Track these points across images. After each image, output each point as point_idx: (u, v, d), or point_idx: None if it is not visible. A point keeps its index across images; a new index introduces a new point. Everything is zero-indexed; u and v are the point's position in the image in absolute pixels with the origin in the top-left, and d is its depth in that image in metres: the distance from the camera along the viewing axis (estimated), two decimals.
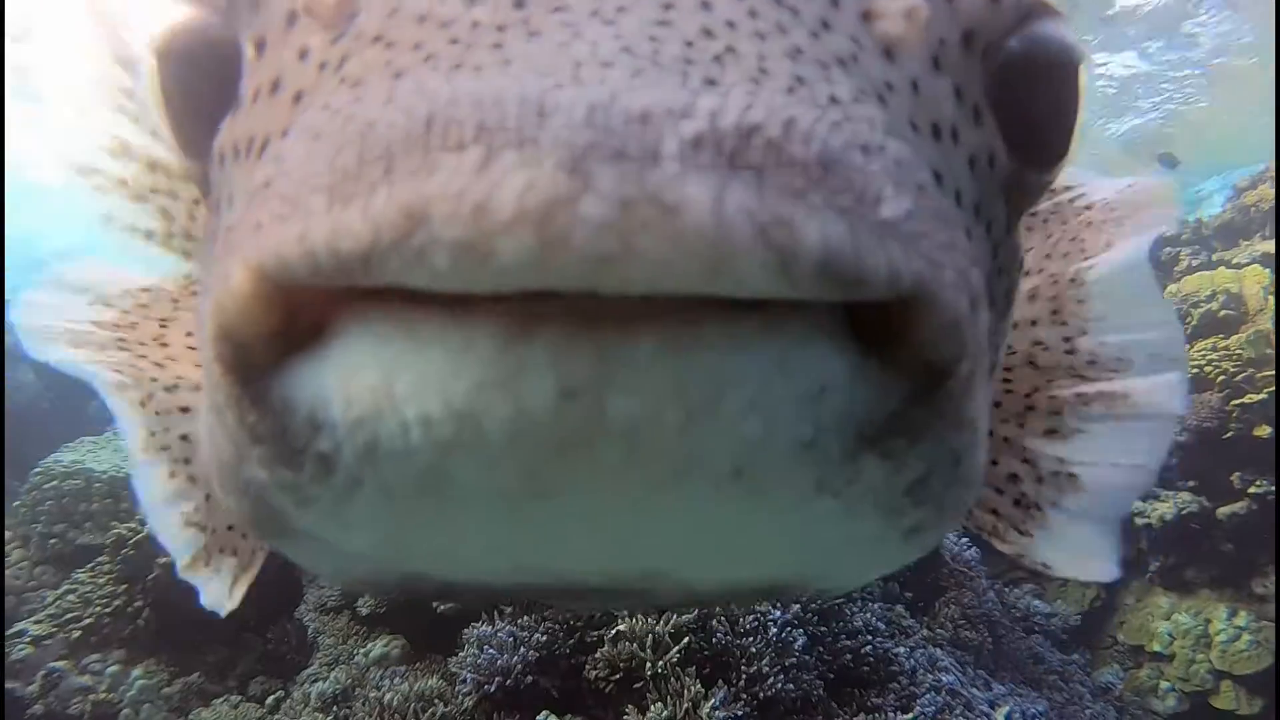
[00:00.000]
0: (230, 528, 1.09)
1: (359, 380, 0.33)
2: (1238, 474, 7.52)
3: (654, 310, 0.30)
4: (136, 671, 5.44)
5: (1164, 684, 7.44)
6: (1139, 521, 8.01)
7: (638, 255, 0.27)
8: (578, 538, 0.38)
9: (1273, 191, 10.13)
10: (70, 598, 5.86)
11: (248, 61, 0.45)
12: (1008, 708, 5.08)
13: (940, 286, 0.35)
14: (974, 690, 5.13)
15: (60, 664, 5.36)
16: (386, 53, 0.37)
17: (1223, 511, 7.58)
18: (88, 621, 5.67)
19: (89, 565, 6.22)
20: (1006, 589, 7.51)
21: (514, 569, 0.42)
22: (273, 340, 0.35)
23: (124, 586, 5.89)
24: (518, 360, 0.30)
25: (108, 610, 5.76)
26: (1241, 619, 7.35)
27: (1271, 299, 7.96)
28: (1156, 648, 7.65)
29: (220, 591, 1.14)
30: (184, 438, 1.01)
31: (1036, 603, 7.06)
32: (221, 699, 5.43)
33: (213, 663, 5.95)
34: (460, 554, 0.41)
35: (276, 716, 4.74)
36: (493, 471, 0.33)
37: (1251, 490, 7.43)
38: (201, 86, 0.47)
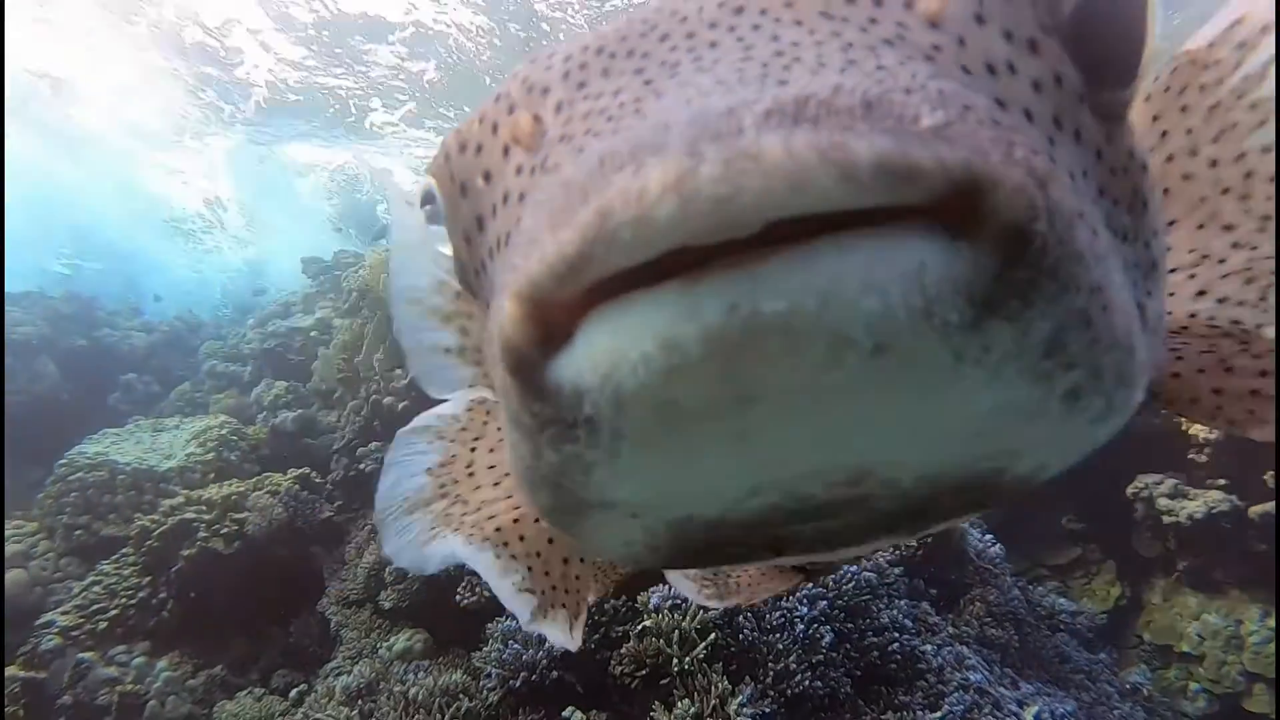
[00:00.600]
0: (554, 588, 1.27)
1: (598, 350, 0.44)
2: (1271, 473, 7.37)
3: (780, 238, 0.40)
4: (162, 663, 5.46)
5: (1193, 685, 7.32)
6: (1166, 520, 7.89)
7: (744, 191, 0.38)
8: (783, 437, 0.46)
9: None
10: (96, 589, 5.90)
11: (472, 194, 0.66)
12: (1036, 707, 5.00)
13: (990, 166, 0.41)
14: (1001, 689, 5.05)
15: (88, 655, 5.39)
16: (569, 142, 0.54)
17: (1255, 511, 7.44)
18: (113, 613, 5.70)
19: (114, 557, 6.26)
20: (1030, 587, 7.42)
21: (751, 490, 0.51)
22: (540, 345, 0.46)
23: (148, 579, 5.92)
24: (693, 297, 0.41)
25: (132, 602, 5.79)
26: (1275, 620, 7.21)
27: None
28: (1185, 648, 7.53)
29: (562, 636, 1.26)
30: (498, 529, 1.23)
31: (1062, 601, 6.97)
32: (245, 692, 5.44)
33: (235, 655, 5.98)
34: (705, 483, 0.51)
35: (300, 710, 4.73)
36: (701, 383, 0.42)
37: None
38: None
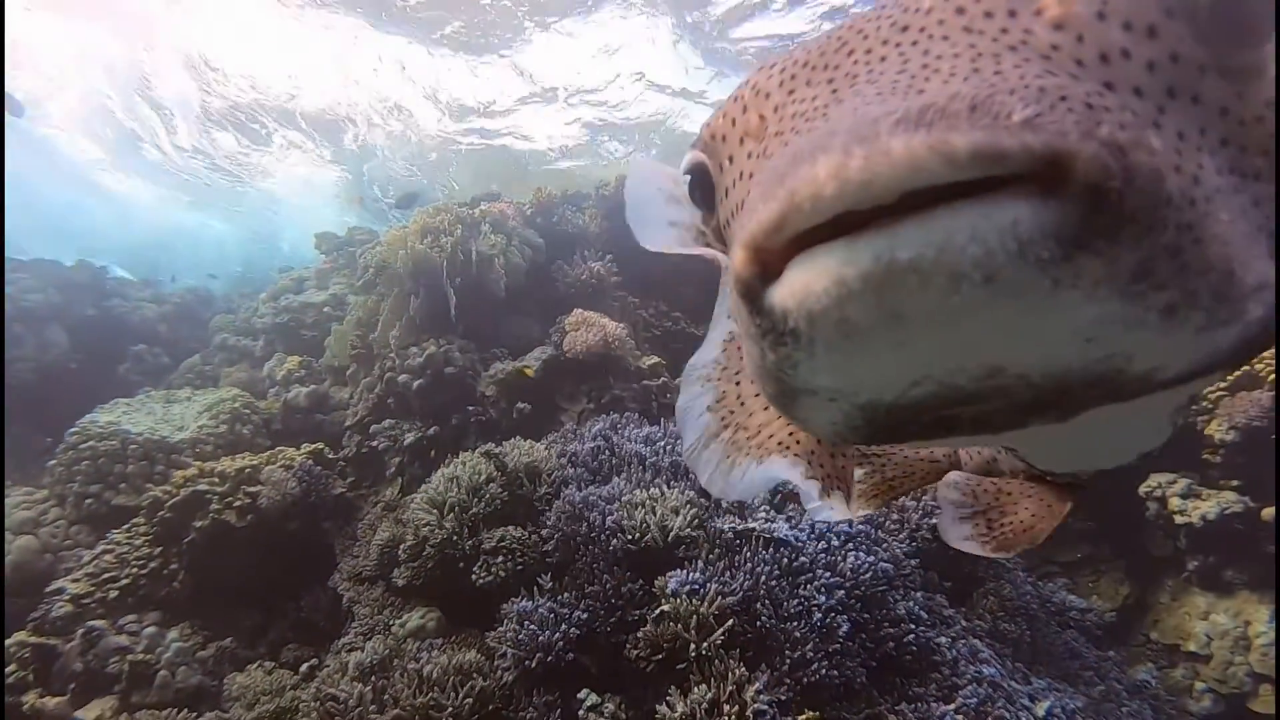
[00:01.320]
0: (829, 476, 1.52)
1: (796, 283, 0.61)
2: None
3: (919, 205, 0.55)
4: (172, 634, 5.46)
5: (1199, 684, 7.32)
6: (1178, 520, 7.87)
7: (880, 175, 0.54)
8: (926, 343, 0.61)
9: None
10: (107, 558, 5.89)
11: (720, 171, 0.90)
12: (1048, 702, 4.98)
13: (1068, 144, 0.55)
14: (1013, 683, 5.04)
15: (98, 623, 5.38)
16: (779, 138, 0.76)
17: (1267, 513, 7.41)
18: (125, 582, 5.70)
19: (125, 526, 6.25)
20: (1040, 583, 7.40)
21: (913, 381, 0.66)
22: (760, 278, 0.64)
23: (159, 549, 5.91)
24: (852, 250, 0.57)
25: (144, 572, 5.79)
26: None
27: None
28: (1192, 648, 7.53)
29: (842, 510, 1.50)
30: (780, 442, 1.46)
31: (1071, 597, 6.95)
32: (255, 665, 5.45)
33: (245, 628, 5.98)
34: (878, 375, 0.66)
35: (312, 685, 4.72)
36: (863, 306, 0.58)
37: None
38: (701, 187, 0.95)
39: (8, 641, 5.27)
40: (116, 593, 5.68)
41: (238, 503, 5.80)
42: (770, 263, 0.63)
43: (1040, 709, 4.94)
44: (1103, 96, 0.61)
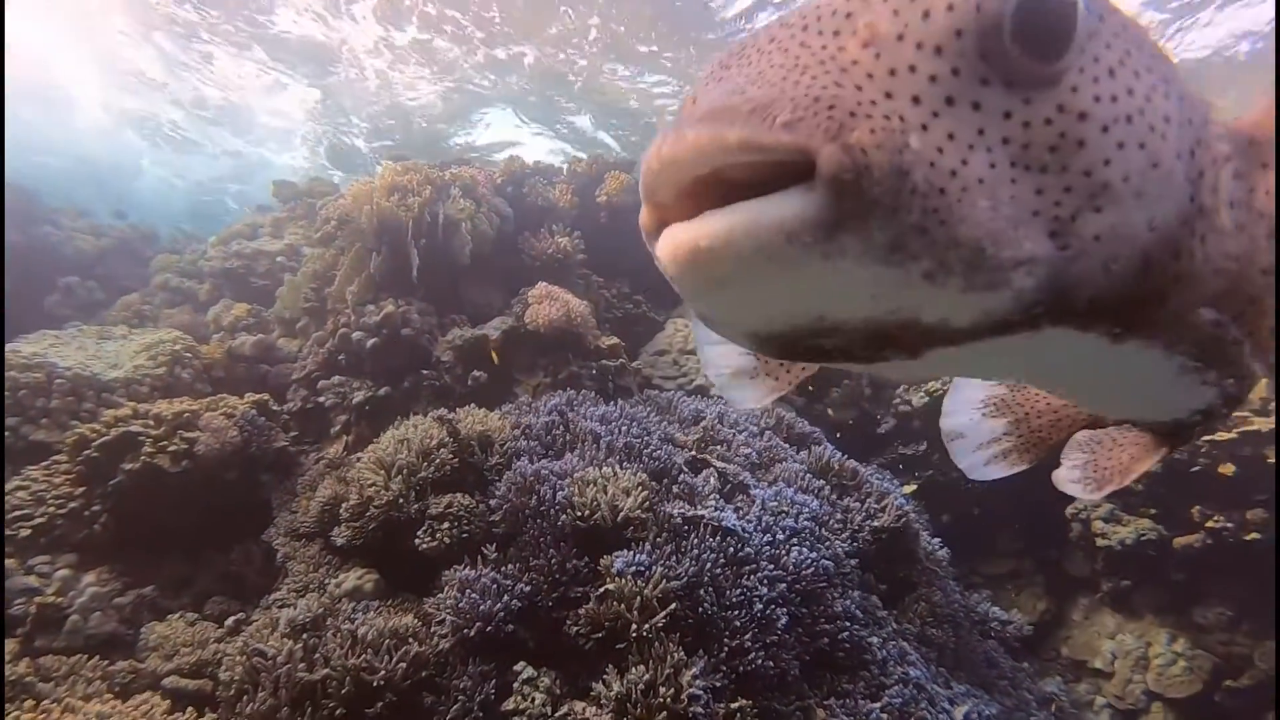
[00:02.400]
0: (769, 374, 1.87)
1: (661, 248, 0.79)
2: (1198, 507, 7.73)
3: (733, 197, 0.75)
4: (89, 577, 5.21)
5: (1100, 699, 7.69)
6: (1100, 542, 8.23)
7: (681, 155, 0.74)
8: (747, 300, 0.80)
9: None
10: (21, 494, 5.58)
11: None
12: (966, 707, 5.16)
13: (813, 143, 0.70)
14: (936, 687, 5.20)
15: (7, 562, 5.10)
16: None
17: (1179, 542, 7.80)
18: (39, 521, 5.41)
19: (44, 463, 5.93)
20: (966, 593, 7.65)
21: (766, 321, 0.84)
22: (653, 233, 0.84)
23: (81, 490, 5.63)
24: (673, 233, 0.78)
25: (61, 512, 5.50)
26: (1180, 645, 7.62)
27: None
28: (1098, 665, 7.91)
29: (756, 395, 1.83)
30: None
31: (995, 609, 7.21)
32: (178, 615, 5.24)
33: (169, 577, 5.74)
34: (737, 317, 0.86)
35: (239, 639, 4.57)
36: (691, 277, 0.77)
37: (1209, 524, 7.65)
38: None
39: None
40: (29, 532, 5.39)
41: (172, 447, 5.55)
42: (663, 219, 0.82)
43: (959, 713, 5.11)
44: (873, 105, 0.74)
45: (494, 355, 6.88)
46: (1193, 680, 7.31)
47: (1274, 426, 7.49)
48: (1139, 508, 8.33)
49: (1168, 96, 0.87)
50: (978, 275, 0.76)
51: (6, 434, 6.34)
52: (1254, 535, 7.36)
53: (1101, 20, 0.84)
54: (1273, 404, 7.58)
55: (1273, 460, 7.45)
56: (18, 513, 5.52)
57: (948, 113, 0.76)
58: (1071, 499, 8.65)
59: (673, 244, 0.76)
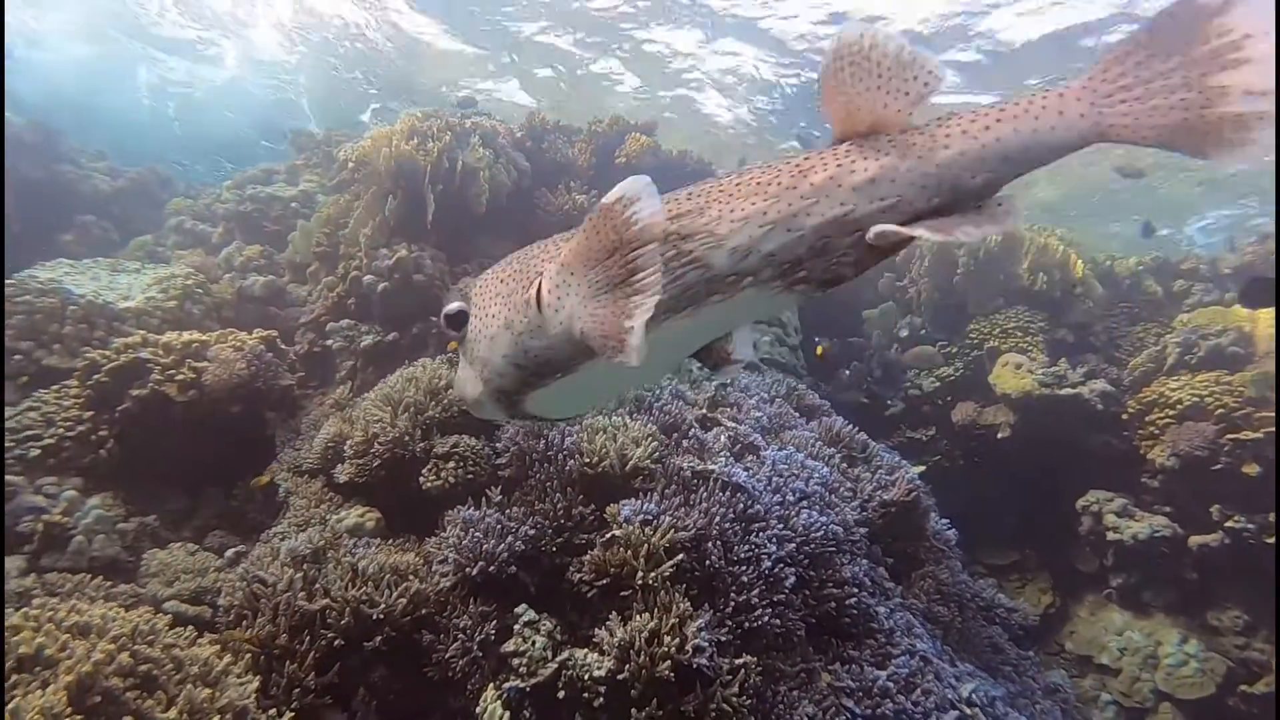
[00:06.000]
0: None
1: None
2: (1218, 506, 7.58)
3: None
4: (94, 501, 5.17)
5: (1105, 696, 7.58)
6: (1110, 536, 8.09)
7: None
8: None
9: None
10: (31, 415, 5.54)
11: None
12: (973, 685, 5.05)
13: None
14: (942, 663, 5.09)
15: (15, 478, 5.07)
16: None
17: (1195, 540, 7.66)
18: (48, 442, 5.37)
19: (54, 387, 5.89)
20: (971, 578, 7.53)
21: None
22: None
23: (90, 414, 5.58)
24: None
25: (70, 435, 5.46)
26: (1192, 646, 7.48)
27: None
28: (1104, 661, 7.79)
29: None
30: None
31: (1000, 595, 7.08)
32: (179, 545, 5.20)
33: (171, 509, 5.71)
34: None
35: (239, 567, 4.51)
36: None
37: (1228, 524, 7.49)
38: None
39: None
40: (38, 452, 5.35)
41: (180, 376, 5.49)
42: None
43: (965, 689, 5.00)
44: (494, 337, 1.74)
45: None
46: (1204, 682, 7.19)
47: None
48: (1151, 505, 8.18)
49: (501, 305, 1.71)
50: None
51: (19, 357, 6.31)
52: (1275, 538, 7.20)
53: (474, 303, 1.78)
54: None
55: None
56: (27, 433, 5.49)
57: (509, 325, 1.71)
58: (1079, 493, 8.49)
59: None
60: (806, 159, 1.54)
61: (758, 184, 1.49)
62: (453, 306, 1.74)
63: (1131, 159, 14.11)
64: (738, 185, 1.52)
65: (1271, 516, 7.26)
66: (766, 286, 1.56)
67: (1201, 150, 1.42)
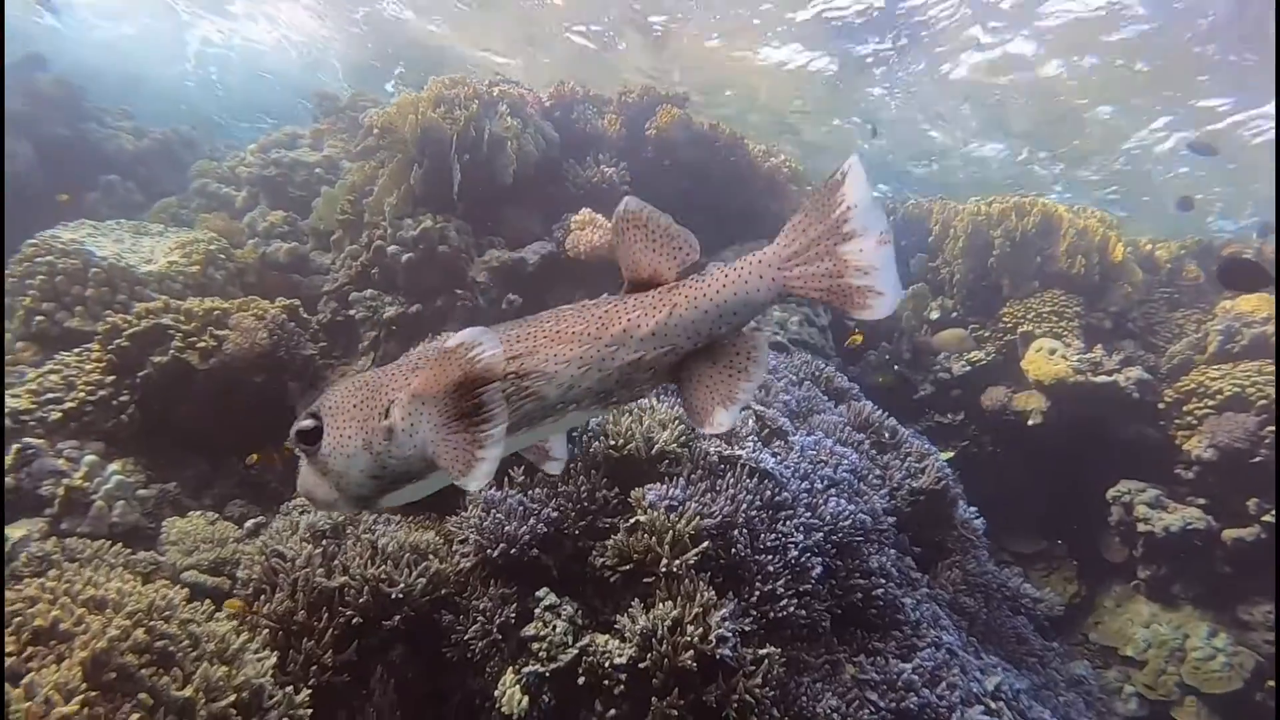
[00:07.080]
0: None
1: None
2: (1255, 499, 7.36)
3: None
4: (114, 466, 5.15)
5: (1129, 688, 7.46)
6: (1141, 528, 7.91)
7: None
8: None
9: None
10: (53, 378, 5.52)
11: None
12: (998, 678, 4.95)
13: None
14: (968, 656, 4.99)
15: (36, 442, 5.05)
16: None
17: (1229, 534, 7.46)
18: (69, 405, 5.35)
19: (76, 350, 5.86)
20: (998, 568, 7.40)
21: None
22: None
23: (111, 379, 5.55)
24: None
25: (91, 399, 5.43)
26: (1220, 640, 7.33)
27: None
28: (1130, 652, 7.66)
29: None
30: None
31: (1027, 585, 6.94)
32: (199, 513, 5.18)
33: (191, 476, 5.70)
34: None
35: (258, 540, 4.48)
36: None
37: (1265, 518, 7.28)
38: None
39: None
40: (59, 415, 5.33)
41: (201, 344, 5.43)
42: None
43: (990, 683, 4.91)
44: (350, 447, 1.79)
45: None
46: (1232, 677, 7.04)
47: None
48: (1185, 496, 7.97)
49: (357, 428, 1.78)
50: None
51: (41, 319, 6.29)
52: None
53: (328, 423, 1.79)
54: None
55: None
56: (49, 395, 5.47)
57: (370, 444, 1.77)
58: (1110, 482, 8.29)
59: None
60: (606, 311, 1.86)
61: (573, 332, 1.81)
62: (306, 423, 1.82)
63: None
64: (557, 332, 1.82)
65: None
66: (586, 410, 1.90)
67: (847, 311, 1.67)
